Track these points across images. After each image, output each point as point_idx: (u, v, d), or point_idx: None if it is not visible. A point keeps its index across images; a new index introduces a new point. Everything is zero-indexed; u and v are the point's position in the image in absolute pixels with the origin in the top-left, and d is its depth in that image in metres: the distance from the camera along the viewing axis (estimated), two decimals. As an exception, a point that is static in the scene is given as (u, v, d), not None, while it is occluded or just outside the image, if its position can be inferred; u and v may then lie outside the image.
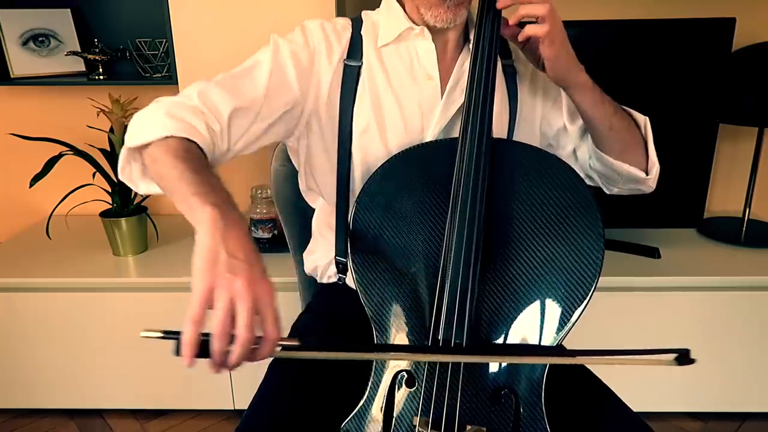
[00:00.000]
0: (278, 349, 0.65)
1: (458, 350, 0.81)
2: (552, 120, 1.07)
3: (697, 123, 1.71)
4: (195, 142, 0.82)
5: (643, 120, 1.03)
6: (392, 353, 0.85)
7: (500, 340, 0.83)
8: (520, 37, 0.91)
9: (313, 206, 1.19)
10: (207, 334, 0.60)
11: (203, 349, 0.60)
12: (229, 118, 0.89)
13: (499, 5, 0.90)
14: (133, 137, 0.84)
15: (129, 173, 0.89)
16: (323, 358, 0.77)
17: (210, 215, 0.66)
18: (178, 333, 0.61)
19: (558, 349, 0.83)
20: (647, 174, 1.04)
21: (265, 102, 0.94)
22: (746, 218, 1.84)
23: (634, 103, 1.67)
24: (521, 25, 0.91)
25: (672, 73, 1.66)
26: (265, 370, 1.00)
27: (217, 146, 0.88)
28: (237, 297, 0.61)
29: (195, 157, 0.79)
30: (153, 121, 0.83)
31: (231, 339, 0.61)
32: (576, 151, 1.08)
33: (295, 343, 0.69)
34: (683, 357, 0.71)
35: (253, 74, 0.95)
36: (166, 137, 0.81)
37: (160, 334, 0.65)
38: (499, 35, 0.92)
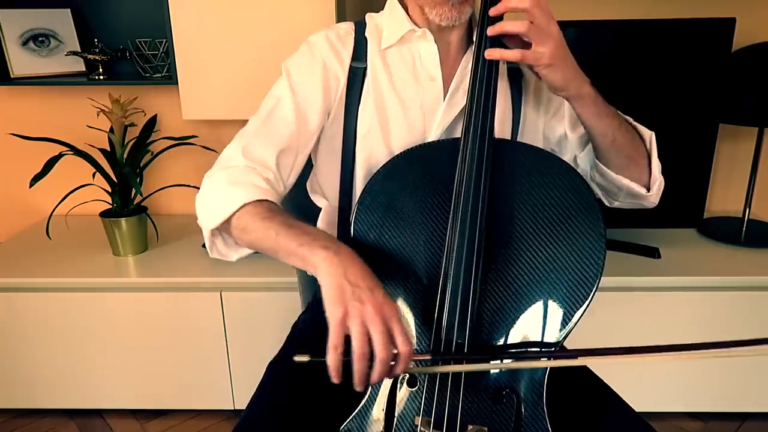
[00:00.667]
0: (411, 365, 0.74)
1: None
2: (555, 126, 1.06)
3: (697, 123, 1.71)
4: (268, 200, 0.87)
5: (649, 135, 1.01)
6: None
7: (502, 340, 0.83)
8: (510, 60, 0.90)
9: (319, 205, 1.19)
10: (348, 354, 0.69)
11: (346, 370, 0.70)
12: (277, 164, 0.94)
13: (489, 32, 0.89)
14: (211, 217, 0.88)
15: (217, 250, 0.93)
16: (454, 371, 0.82)
17: (324, 257, 0.74)
18: (323, 358, 0.70)
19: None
20: (648, 190, 1.02)
21: (299, 134, 0.98)
22: (746, 218, 1.84)
23: (634, 103, 1.68)
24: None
25: (672, 73, 1.66)
26: (264, 370, 1.00)
27: (277, 192, 0.92)
28: (368, 321, 0.69)
29: (278, 213, 0.85)
30: (221, 196, 0.88)
31: (370, 358, 0.69)
32: (576, 159, 1.07)
33: (427, 357, 0.79)
34: None
35: (279, 112, 0.98)
36: (243, 206, 0.85)
37: (308, 359, 0.75)
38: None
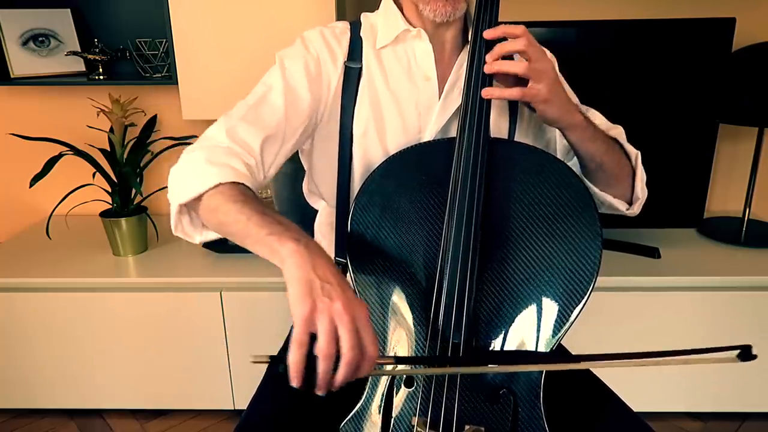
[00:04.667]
0: (377, 367, 0.71)
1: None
2: (545, 128, 1.07)
3: (697, 123, 1.71)
4: (243, 184, 0.84)
5: (635, 154, 1.03)
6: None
7: (499, 340, 0.83)
8: (511, 98, 0.91)
9: (315, 207, 1.19)
10: (311, 356, 0.65)
11: (308, 371, 0.65)
12: (261, 150, 0.92)
13: (485, 69, 0.89)
14: (181, 192, 0.85)
15: (182, 228, 0.91)
16: (417, 374, 0.81)
17: (294, 249, 0.70)
18: (283, 358, 0.66)
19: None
20: (630, 205, 1.04)
21: (287, 124, 0.96)
22: (746, 218, 1.84)
23: (635, 103, 1.69)
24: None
25: (672, 73, 1.66)
26: (264, 370, 1.00)
27: (256, 179, 0.90)
28: (337, 319, 0.65)
29: (252, 199, 0.81)
30: (196, 172, 0.84)
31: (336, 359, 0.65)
32: None
33: (390, 361, 0.76)
34: (745, 353, 0.74)
35: (268, 100, 0.96)
36: (216, 186, 0.82)
37: (268, 359, 0.71)
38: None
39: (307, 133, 1.02)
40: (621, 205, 1.03)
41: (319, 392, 0.66)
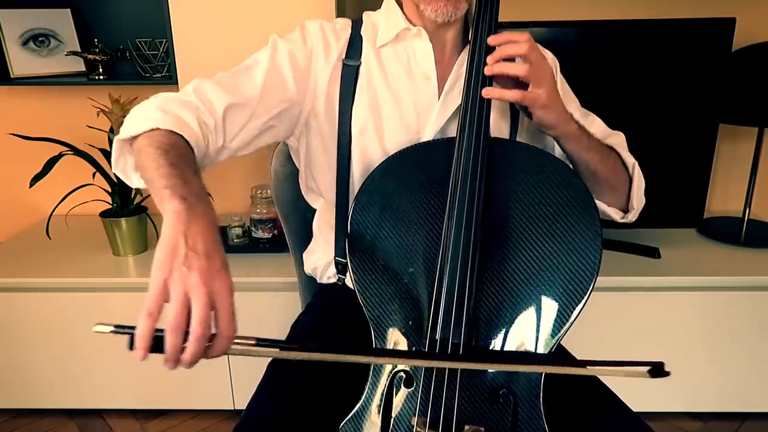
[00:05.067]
0: (235, 347, 0.64)
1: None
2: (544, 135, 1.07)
3: (697, 123, 1.71)
4: (182, 136, 0.82)
5: (632, 163, 1.03)
6: (354, 356, 0.77)
7: (499, 339, 0.83)
8: (510, 100, 0.91)
9: (313, 206, 1.19)
10: (162, 330, 0.60)
11: (159, 344, 0.60)
12: (224, 113, 0.90)
13: (486, 71, 0.89)
14: (124, 129, 0.84)
15: (123, 166, 0.88)
16: (279, 357, 0.76)
17: (176, 208, 0.66)
18: (132, 327, 0.60)
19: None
20: (625, 213, 1.05)
21: (261, 100, 0.95)
22: (746, 218, 1.84)
23: (635, 103, 1.68)
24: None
25: (672, 73, 1.66)
26: (264, 370, 1.00)
27: (211, 142, 0.89)
28: (191, 291, 0.60)
29: (176, 151, 0.78)
30: (144, 114, 0.84)
31: (187, 334, 0.60)
32: None
33: (251, 341, 0.67)
34: (657, 369, 0.71)
35: (250, 72, 0.96)
36: (153, 129, 0.81)
37: (112, 329, 0.64)
38: (497, 33, 0.92)
39: (284, 121, 1.01)
40: (615, 214, 1.04)
41: (167, 366, 0.61)
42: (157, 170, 0.73)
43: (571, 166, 1.00)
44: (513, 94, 0.88)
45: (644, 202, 1.05)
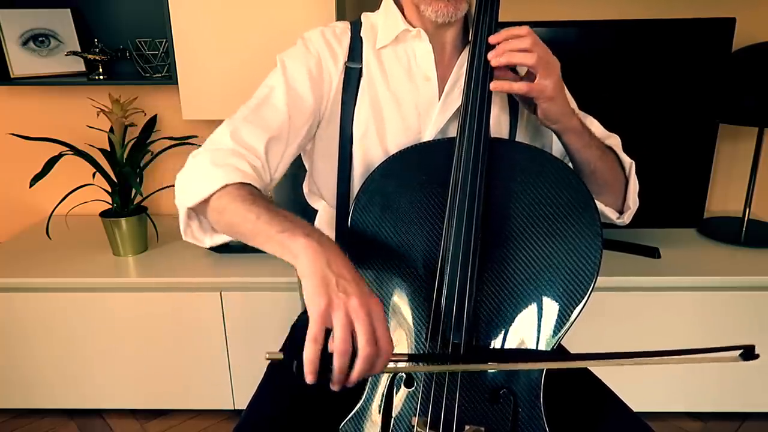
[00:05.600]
0: (390, 365, 0.69)
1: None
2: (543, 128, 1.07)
3: (697, 123, 1.71)
4: (250, 184, 0.84)
5: (629, 163, 1.04)
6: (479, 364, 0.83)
7: (499, 340, 0.83)
8: (517, 92, 0.90)
9: (315, 208, 1.19)
10: (325, 353, 0.64)
11: (324, 367, 0.65)
12: (266, 151, 0.92)
13: (492, 59, 0.89)
14: (189, 196, 0.85)
15: (192, 232, 0.91)
16: (429, 372, 0.81)
17: (306, 245, 0.70)
18: (298, 354, 0.65)
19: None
20: (621, 214, 1.05)
21: (290, 124, 0.96)
22: (746, 218, 1.84)
23: (635, 103, 1.69)
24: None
25: (672, 73, 1.66)
26: (264, 370, 1.00)
27: (263, 180, 0.90)
28: (353, 314, 0.65)
29: (260, 198, 0.81)
30: (202, 175, 0.85)
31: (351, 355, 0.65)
32: None
33: (403, 357, 0.75)
34: (748, 353, 0.75)
35: (270, 102, 0.96)
36: (223, 187, 0.82)
37: (282, 356, 0.71)
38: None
39: (311, 133, 1.02)
40: (611, 214, 1.04)
41: (334, 388, 0.66)
42: (259, 220, 0.76)
43: (571, 165, 1.00)
44: (520, 86, 0.88)
45: (638, 204, 1.06)
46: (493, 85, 0.88)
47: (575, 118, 0.94)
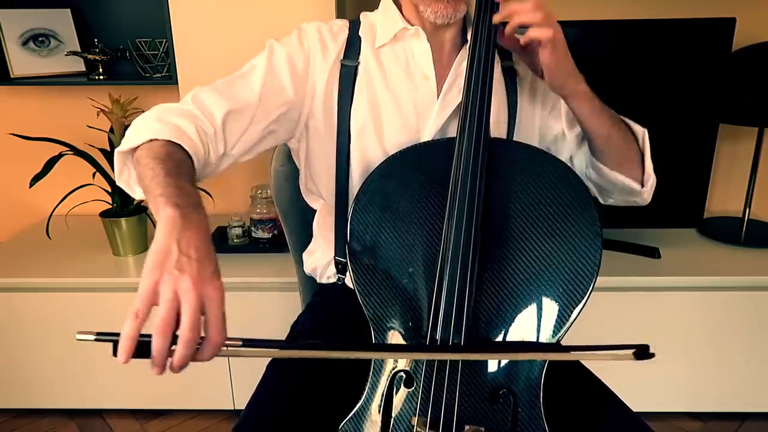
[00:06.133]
0: (223, 349, 0.64)
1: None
2: (551, 125, 1.06)
3: (697, 123, 1.71)
4: (181, 146, 0.82)
5: (641, 132, 1.01)
6: (341, 351, 0.79)
7: (499, 339, 0.83)
8: (523, 41, 0.90)
9: (313, 207, 1.19)
10: (149, 336, 0.59)
11: (145, 348, 0.59)
12: (223, 121, 0.90)
13: (495, 19, 0.89)
14: (124, 141, 0.85)
15: (126, 178, 0.89)
16: (270, 356, 0.77)
17: (170, 215, 0.66)
18: (116, 334, 0.60)
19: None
20: (642, 186, 1.02)
21: (260, 105, 0.95)
22: (746, 218, 1.84)
23: (635, 103, 1.68)
24: (519, 32, 0.90)
25: (672, 73, 1.66)
26: (264, 369, 1.00)
27: (212, 150, 0.89)
28: (182, 295, 0.60)
29: (173, 160, 0.78)
30: (143, 125, 0.84)
31: (174, 339, 0.59)
32: (573, 158, 1.07)
33: (238, 343, 0.66)
34: (642, 352, 0.73)
35: (247, 78, 0.96)
36: (151, 140, 0.81)
37: (95, 337, 0.64)
38: (496, 34, 0.92)
39: (284, 124, 1.01)
40: (635, 185, 1.01)
41: (155, 371, 0.62)
42: (153, 179, 0.73)
43: (587, 146, 1.00)
44: (538, 32, 0.86)
45: (655, 178, 1.03)
46: (508, 30, 0.88)
47: (582, 82, 0.93)
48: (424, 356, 0.82)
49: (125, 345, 0.59)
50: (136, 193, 0.88)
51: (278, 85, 0.97)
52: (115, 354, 0.60)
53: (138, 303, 0.60)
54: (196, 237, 0.65)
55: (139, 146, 0.82)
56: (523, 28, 0.88)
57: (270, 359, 1.03)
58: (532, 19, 0.86)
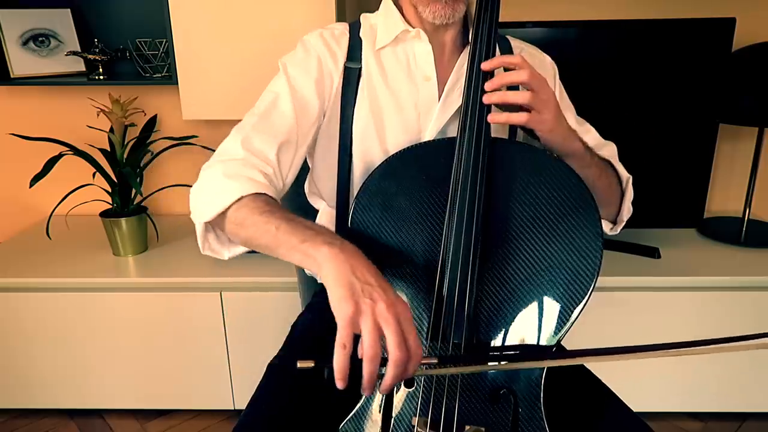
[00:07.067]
0: (422, 368, 0.70)
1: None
2: None
3: (697, 123, 1.71)
4: (265, 194, 0.84)
5: (626, 177, 1.05)
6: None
7: (499, 339, 0.83)
8: (518, 124, 0.89)
9: (316, 207, 1.19)
10: (355, 359, 0.65)
11: (353, 374, 0.65)
12: (277, 158, 0.92)
13: (485, 98, 0.87)
14: (204, 211, 0.85)
15: (209, 246, 0.90)
16: (456, 373, 0.80)
17: (329, 253, 0.70)
18: (328, 361, 0.65)
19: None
20: (614, 224, 1.07)
21: (298, 128, 0.97)
22: (746, 218, 1.84)
23: (635, 103, 1.69)
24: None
25: (672, 73, 1.66)
26: (263, 369, 1.00)
27: (275, 188, 0.90)
28: (382, 321, 0.65)
29: (277, 208, 0.81)
30: (216, 188, 0.85)
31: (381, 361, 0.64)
32: None
33: (434, 360, 0.74)
34: None
35: (278, 107, 0.97)
36: (238, 200, 0.82)
37: (312, 364, 0.70)
38: (496, 34, 0.92)
39: (316, 136, 1.03)
40: (605, 226, 1.05)
41: (364, 393, 0.67)
42: (279, 232, 0.76)
43: None
44: (519, 118, 0.86)
45: (631, 212, 1.07)
46: (491, 118, 0.87)
47: (577, 143, 0.93)
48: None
49: (340, 374, 0.64)
50: (224, 255, 0.91)
51: (306, 103, 0.98)
52: (323, 377, 0.67)
53: (342, 336, 0.65)
54: (364, 264, 0.70)
55: (227, 209, 0.83)
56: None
57: (270, 360, 1.03)
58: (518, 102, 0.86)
